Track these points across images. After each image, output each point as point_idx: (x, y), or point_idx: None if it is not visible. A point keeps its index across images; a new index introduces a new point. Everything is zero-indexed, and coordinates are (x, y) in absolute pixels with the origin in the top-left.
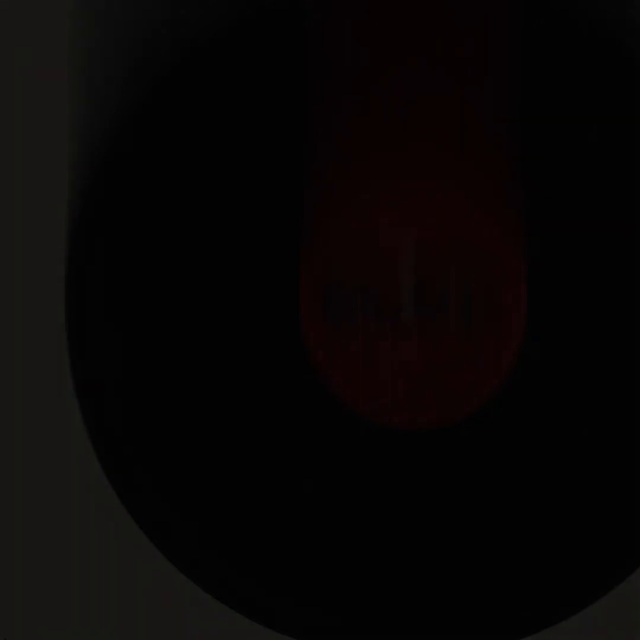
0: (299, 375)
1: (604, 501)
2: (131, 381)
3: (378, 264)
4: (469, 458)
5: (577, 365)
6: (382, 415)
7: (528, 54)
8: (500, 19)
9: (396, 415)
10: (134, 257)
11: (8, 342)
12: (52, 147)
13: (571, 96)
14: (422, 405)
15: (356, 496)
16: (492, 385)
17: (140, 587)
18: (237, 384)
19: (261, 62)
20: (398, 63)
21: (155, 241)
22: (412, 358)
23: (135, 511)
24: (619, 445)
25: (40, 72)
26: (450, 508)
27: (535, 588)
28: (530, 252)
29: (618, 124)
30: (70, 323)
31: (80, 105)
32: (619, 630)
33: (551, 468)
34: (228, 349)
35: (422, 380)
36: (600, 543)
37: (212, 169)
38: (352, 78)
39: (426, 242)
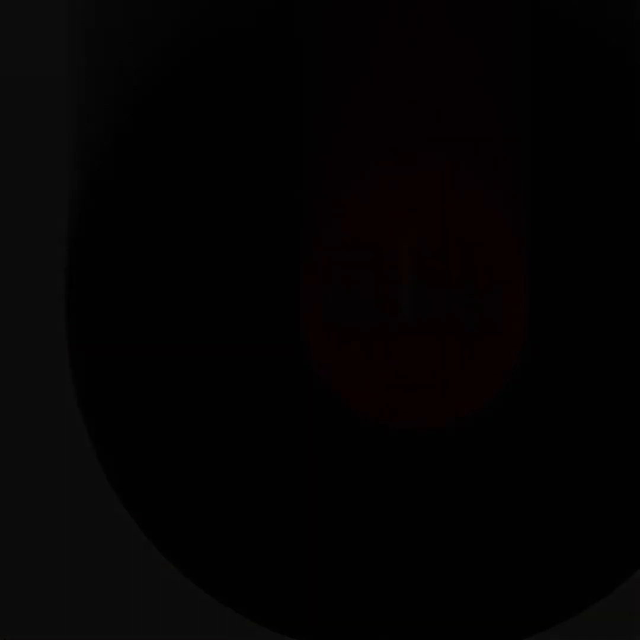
0: (299, 375)
1: (605, 502)
2: (131, 381)
3: (378, 263)
4: (470, 459)
5: (579, 366)
6: (382, 415)
7: (528, 54)
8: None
9: (396, 415)
10: (134, 259)
11: (8, 342)
12: (52, 146)
13: (572, 97)
14: (422, 405)
15: (356, 496)
16: (493, 385)
17: (141, 587)
18: (238, 384)
19: (260, 61)
20: (396, 58)
21: (156, 242)
22: (412, 358)
23: (135, 511)
24: (620, 446)
25: (39, 72)
26: (451, 508)
27: (535, 588)
28: (532, 252)
29: (619, 126)
30: (71, 324)
31: (80, 105)
32: (619, 630)
33: (552, 469)
34: (228, 349)
35: (422, 380)
36: (601, 543)
37: (213, 171)
38: (348, 72)
39: (426, 241)
